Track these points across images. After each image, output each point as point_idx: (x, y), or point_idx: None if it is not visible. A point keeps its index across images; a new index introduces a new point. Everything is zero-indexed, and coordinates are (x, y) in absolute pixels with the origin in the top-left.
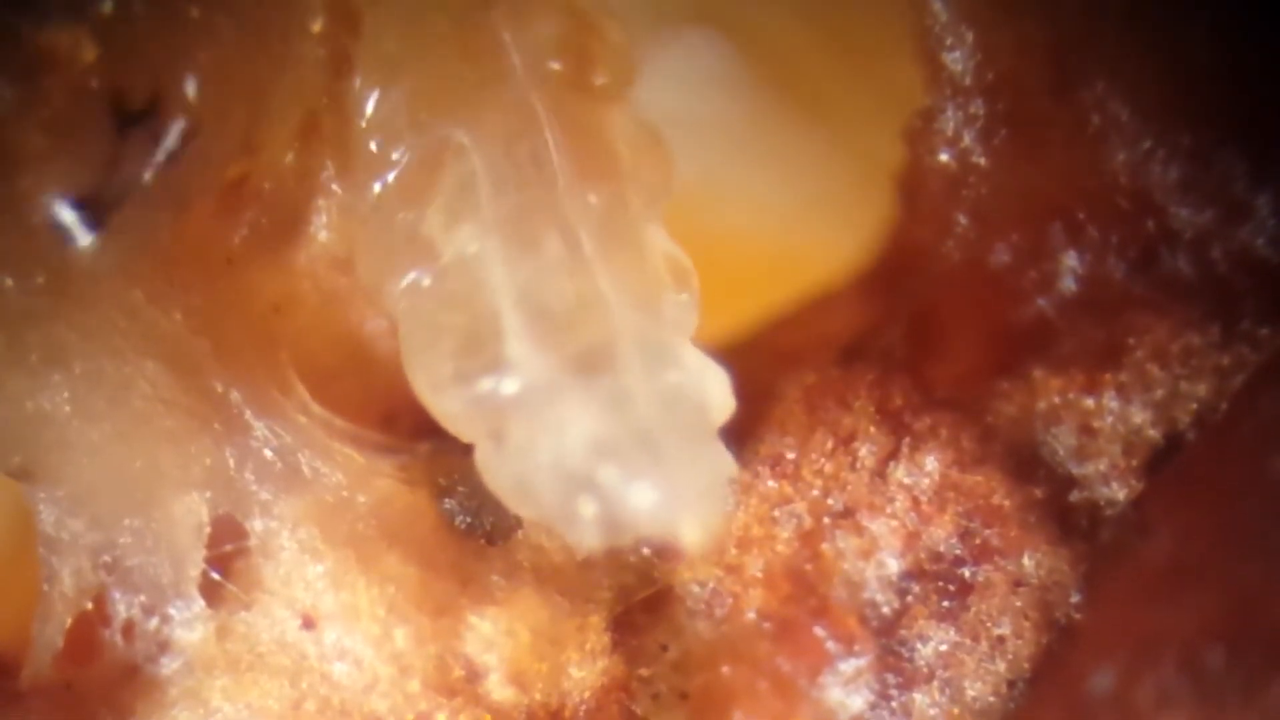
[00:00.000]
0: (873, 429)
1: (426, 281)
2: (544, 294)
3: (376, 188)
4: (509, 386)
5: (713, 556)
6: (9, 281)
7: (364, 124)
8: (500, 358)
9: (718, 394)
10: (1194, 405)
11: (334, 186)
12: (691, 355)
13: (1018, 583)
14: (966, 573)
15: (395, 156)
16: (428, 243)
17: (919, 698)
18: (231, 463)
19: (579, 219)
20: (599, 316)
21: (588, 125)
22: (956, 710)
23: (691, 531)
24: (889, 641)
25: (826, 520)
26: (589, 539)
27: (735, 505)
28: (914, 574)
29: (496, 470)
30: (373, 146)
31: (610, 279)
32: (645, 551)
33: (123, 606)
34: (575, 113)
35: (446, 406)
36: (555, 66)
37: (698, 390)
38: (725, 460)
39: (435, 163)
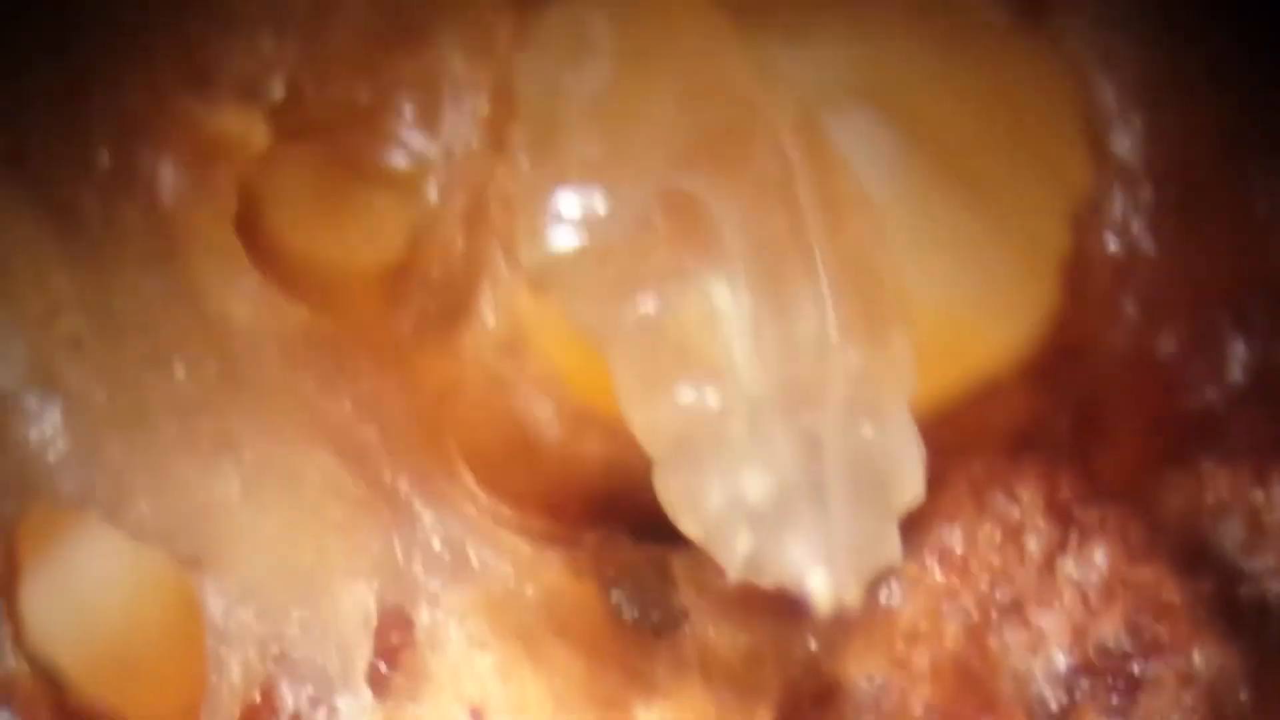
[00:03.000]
0: (1041, 521)
1: (651, 314)
2: (778, 325)
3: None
4: (714, 400)
5: (880, 648)
6: (182, 370)
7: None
8: (716, 375)
9: (909, 475)
10: None
11: (502, 270)
12: (899, 421)
13: (1187, 679)
14: (1136, 668)
15: (609, 207)
16: (658, 283)
17: None
18: (400, 553)
19: (824, 259)
20: (820, 353)
21: (829, 163)
22: None
23: (823, 596)
24: None
25: (994, 614)
26: (732, 571)
27: (893, 596)
28: (1082, 669)
29: (670, 477)
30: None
31: (841, 322)
32: (812, 646)
33: (290, 698)
34: (821, 151)
35: (649, 417)
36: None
37: (889, 461)
38: (890, 541)
39: (669, 213)
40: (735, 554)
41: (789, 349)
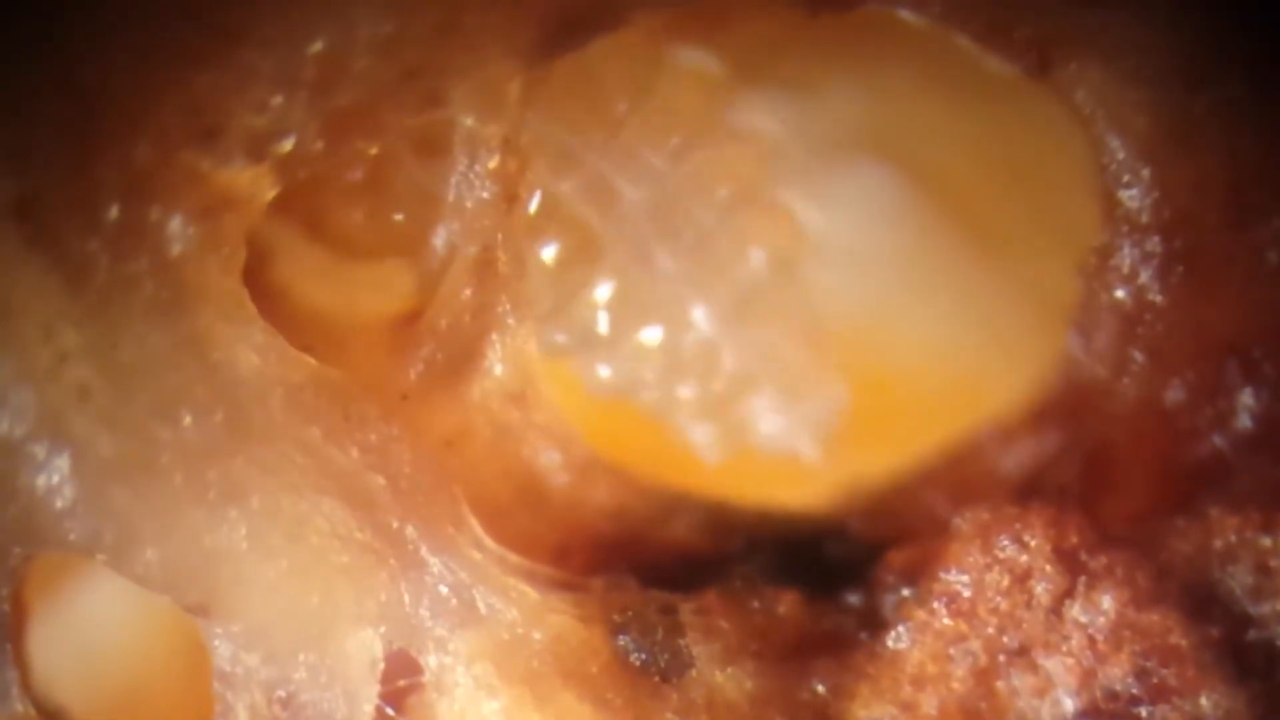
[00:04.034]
0: (1048, 567)
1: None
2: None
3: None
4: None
5: (888, 692)
6: (189, 419)
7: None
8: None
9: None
10: None
11: (510, 321)
12: None
13: None
14: (1143, 712)
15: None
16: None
17: None
18: (407, 598)
19: None
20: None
21: None
22: None
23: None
24: None
25: (1002, 658)
26: (710, 455)
27: (900, 639)
28: (1090, 713)
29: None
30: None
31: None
32: (819, 690)
33: None
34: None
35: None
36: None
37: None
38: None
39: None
40: (703, 441)
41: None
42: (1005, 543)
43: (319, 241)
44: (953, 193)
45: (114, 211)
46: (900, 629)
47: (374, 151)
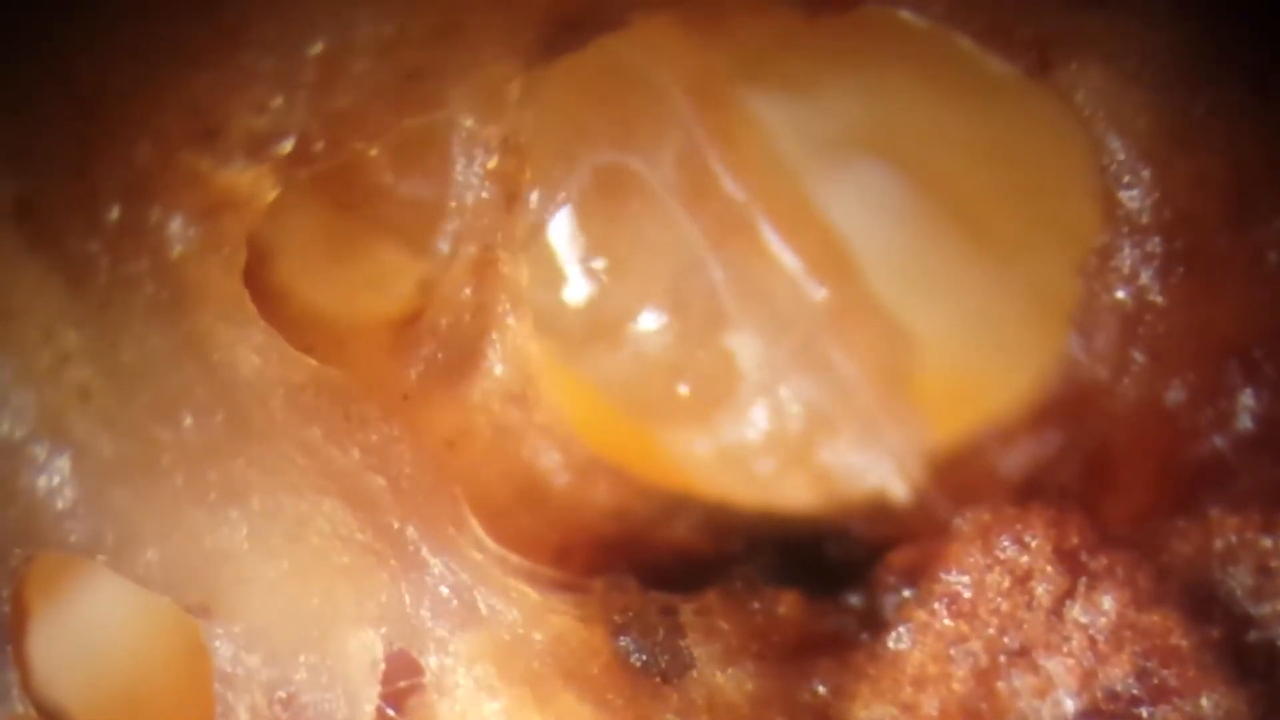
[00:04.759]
0: (1049, 568)
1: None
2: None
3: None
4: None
5: (888, 693)
6: (189, 420)
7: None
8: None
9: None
10: None
11: (510, 320)
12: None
13: None
14: (1144, 713)
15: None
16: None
17: None
18: (408, 599)
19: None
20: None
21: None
22: None
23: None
24: None
25: (1002, 659)
26: (805, 503)
27: (901, 640)
28: (1090, 713)
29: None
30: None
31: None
32: (820, 690)
33: None
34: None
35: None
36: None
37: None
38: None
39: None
40: (796, 492)
41: (769, 309)
42: (1006, 543)
43: (320, 242)
44: (953, 193)
45: (114, 212)
46: (901, 630)
47: (374, 152)
